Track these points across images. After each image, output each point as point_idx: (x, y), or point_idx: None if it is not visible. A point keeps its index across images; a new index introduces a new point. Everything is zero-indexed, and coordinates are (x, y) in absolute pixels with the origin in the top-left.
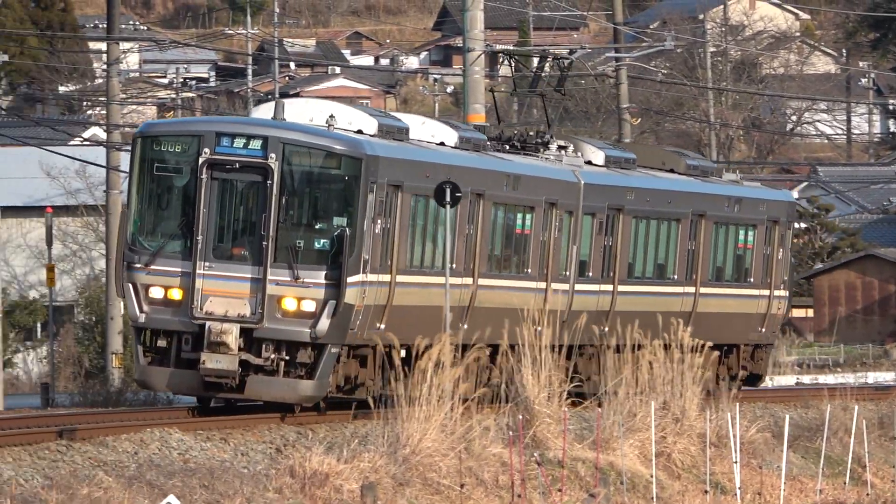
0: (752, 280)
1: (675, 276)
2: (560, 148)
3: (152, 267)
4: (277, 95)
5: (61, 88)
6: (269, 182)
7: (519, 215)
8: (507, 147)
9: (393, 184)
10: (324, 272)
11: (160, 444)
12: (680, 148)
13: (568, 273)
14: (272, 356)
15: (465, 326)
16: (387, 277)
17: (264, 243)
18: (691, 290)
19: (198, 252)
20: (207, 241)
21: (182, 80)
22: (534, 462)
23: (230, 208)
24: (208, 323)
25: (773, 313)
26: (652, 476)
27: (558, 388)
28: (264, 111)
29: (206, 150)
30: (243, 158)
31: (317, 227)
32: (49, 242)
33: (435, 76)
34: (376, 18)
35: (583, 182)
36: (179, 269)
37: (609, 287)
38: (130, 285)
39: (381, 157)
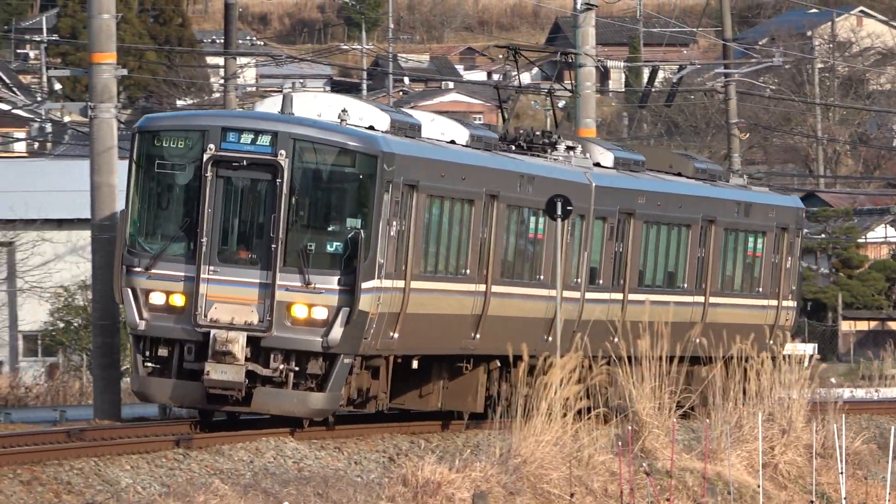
0: (760, 290)
1: (686, 285)
2: (568, 148)
3: (153, 271)
4: None
5: (179, 102)
6: (278, 180)
7: (531, 217)
8: (514, 147)
9: (408, 183)
10: (337, 277)
11: (275, 453)
12: (788, 162)
13: (579, 281)
14: (281, 367)
15: (478, 337)
16: (401, 283)
17: (273, 246)
18: (701, 299)
19: (202, 255)
20: (212, 243)
21: None
22: (642, 472)
23: (236, 208)
24: (213, 331)
25: (781, 324)
26: (759, 486)
27: (667, 400)
28: (270, 105)
29: (211, 146)
30: (251, 155)
31: (329, 228)
32: None
33: (546, 90)
34: (489, 34)
35: (594, 184)
36: (182, 274)
37: (619, 296)
38: (129, 290)
39: (397, 154)
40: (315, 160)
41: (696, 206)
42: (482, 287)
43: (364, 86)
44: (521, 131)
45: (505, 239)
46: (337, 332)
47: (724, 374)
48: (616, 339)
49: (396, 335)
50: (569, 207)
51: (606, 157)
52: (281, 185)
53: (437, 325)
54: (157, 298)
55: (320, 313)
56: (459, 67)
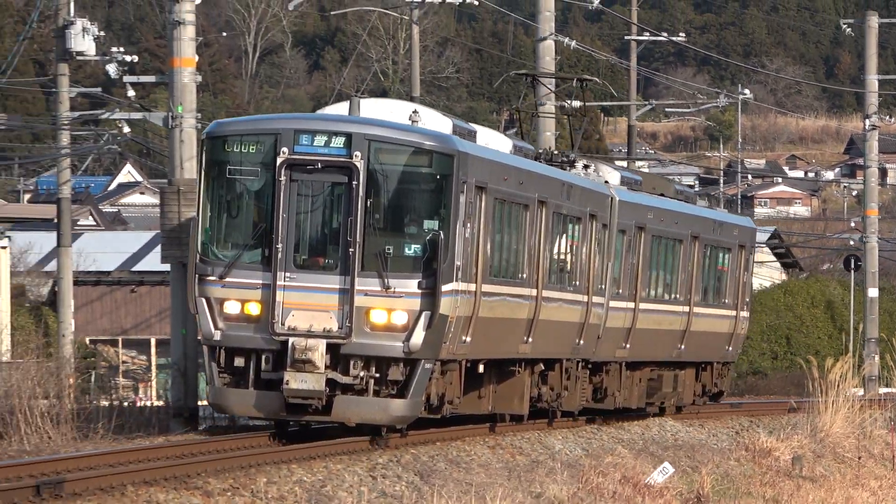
0: (727, 301)
1: (678, 296)
2: (585, 167)
3: (227, 279)
4: (739, 199)
5: None
6: (354, 182)
7: (570, 225)
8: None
9: (479, 185)
10: (417, 280)
11: (659, 429)
12: None
13: (603, 287)
14: (361, 374)
15: (530, 340)
16: (473, 287)
17: (351, 250)
18: (686, 309)
19: (277, 261)
20: (288, 249)
21: None
22: None
23: (311, 213)
24: (291, 339)
25: (738, 333)
26: None
27: None
28: (337, 110)
29: (285, 149)
30: (325, 157)
31: (407, 231)
32: None
33: (844, 184)
34: (806, 146)
35: (617, 198)
36: (258, 281)
37: (632, 305)
38: (203, 300)
39: (471, 155)
40: (391, 161)
41: (686, 223)
42: (535, 292)
43: (721, 181)
44: (542, 150)
45: (551, 244)
46: (418, 336)
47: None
48: (627, 346)
49: (469, 339)
50: (858, 263)
51: (614, 177)
52: (357, 188)
53: (501, 328)
54: (231, 307)
55: (400, 318)
56: (786, 168)
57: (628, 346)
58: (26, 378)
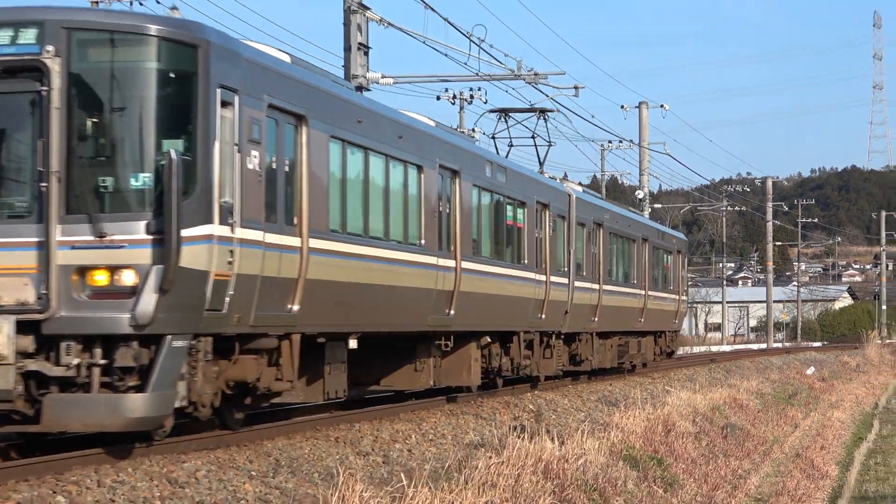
0: (672, 288)
1: (635, 282)
2: (551, 178)
3: None
4: None
5: None
6: (46, 89)
7: (509, 207)
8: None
9: (284, 109)
10: (144, 223)
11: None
12: None
13: (567, 270)
14: (77, 361)
15: (452, 312)
16: (294, 240)
17: (44, 185)
18: (643, 293)
19: None
20: None
21: None
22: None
23: None
24: None
25: (681, 311)
26: None
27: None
28: None
29: None
30: (9, 58)
31: (130, 155)
32: None
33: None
34: None
35: (574, 195)
36: None
37: (597, 287)
38: None
39: (245, 56)
40: (101, 57)
41: (638, 227)
42: (451, 263)
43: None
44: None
45: (470, 218)
46: (148, 301)
47: (653, 342)
48: (595, 319)
49: (296, 307)
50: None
51: (577, 189)
52: (51, 96)
53: (359, 295)
54: None
55: (127, 277)
56: None
57: (596, 319)
58: None
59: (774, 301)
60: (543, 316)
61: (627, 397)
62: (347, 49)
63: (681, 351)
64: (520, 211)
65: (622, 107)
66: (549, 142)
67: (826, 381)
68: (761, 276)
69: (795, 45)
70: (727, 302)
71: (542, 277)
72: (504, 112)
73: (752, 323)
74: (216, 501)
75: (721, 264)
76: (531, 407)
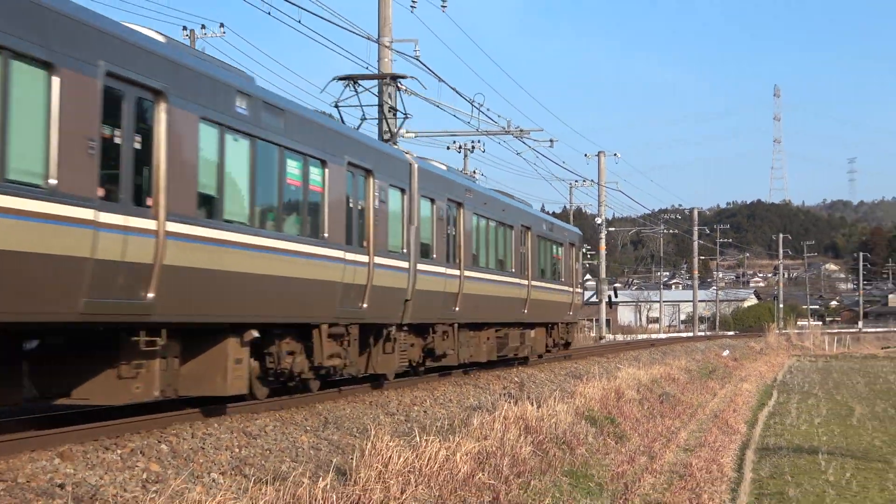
0: (563, 280)
1: (514, 270)
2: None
3: None
4: None
5: None
6: None
7: (311, 168)
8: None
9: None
10: None
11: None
12: None
13: (406, 251)
14: None
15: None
16: (119, 219)
17: None
18: (525, 282)
19: None
20: None
21: None
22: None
23: None
24: None
25: (576, 303)
26: None
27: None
28: None
29: None
30: None
31: None
32: None
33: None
34: None
35: (416, 165)
36: None
37: (457, 272)
38: None
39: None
40: None
41: (516, 215)
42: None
43: None
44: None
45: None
46: None
47: (544, 334)
48: (456, 308)
49: (152, 294)
50: None
51: (438, 165)
52: None
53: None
54: None
55: None
56: None
57: (458, 308)
58: None
59: (699, 300)
60: (365, 305)
61: (589, 372)
62: (380, 107)
63: (628, 338)
64: (316, 171)
65: (586, 155)
66: (406, 114)
67: (737, 361)
68: (689, 281)
69: (716, 109)
70: (663, 301)
71: (364, 258)
72: (351, 79)
73: (682, 317)
74: (280, 448)
75: (659, 273)
76: (517, 379)
